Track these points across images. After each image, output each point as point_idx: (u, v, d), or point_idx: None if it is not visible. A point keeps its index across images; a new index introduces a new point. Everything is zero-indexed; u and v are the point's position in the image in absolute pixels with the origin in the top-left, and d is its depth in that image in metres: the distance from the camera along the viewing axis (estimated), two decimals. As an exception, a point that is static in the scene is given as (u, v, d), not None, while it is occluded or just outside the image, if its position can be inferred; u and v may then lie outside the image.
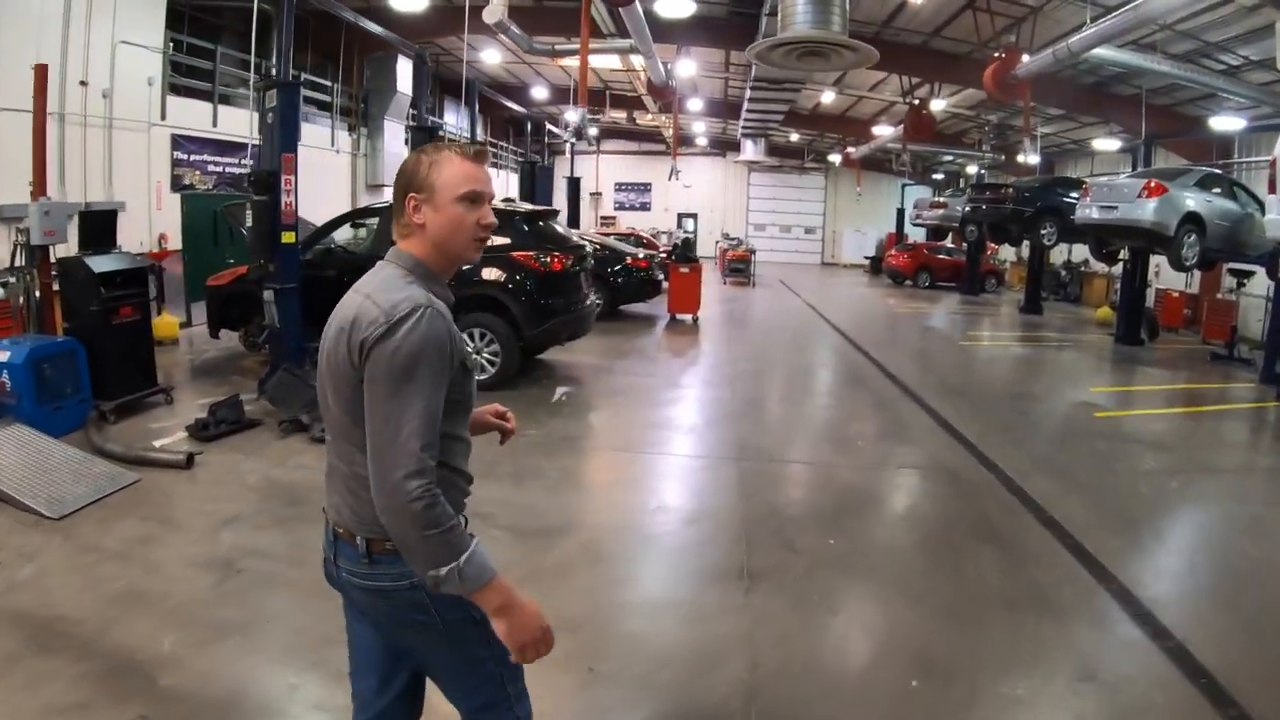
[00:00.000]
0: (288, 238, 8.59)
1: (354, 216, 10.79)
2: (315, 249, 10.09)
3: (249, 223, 8.86)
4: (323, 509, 2.21)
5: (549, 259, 9.50)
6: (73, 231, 8.16)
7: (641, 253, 17.32)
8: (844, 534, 5.55)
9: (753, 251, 28.32)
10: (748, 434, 8.17)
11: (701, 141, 40.20)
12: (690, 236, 21.24)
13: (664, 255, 18.94)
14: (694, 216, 42.89)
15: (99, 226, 8.21)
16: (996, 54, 15.23)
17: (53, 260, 7.92)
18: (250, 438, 7.13)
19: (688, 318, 16.52)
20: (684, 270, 16.31)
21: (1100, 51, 12.67)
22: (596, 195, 43.03)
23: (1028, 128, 18.08)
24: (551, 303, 9.53)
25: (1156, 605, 4.54)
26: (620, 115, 33.93)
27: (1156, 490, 6.90)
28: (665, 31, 17.87)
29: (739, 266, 27.01)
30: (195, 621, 4.03)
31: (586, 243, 11.32)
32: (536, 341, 9.63)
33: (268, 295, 8.64)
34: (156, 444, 6.77)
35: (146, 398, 8.02)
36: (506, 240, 9.33)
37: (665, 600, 4.64)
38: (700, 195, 42.64)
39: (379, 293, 1.95)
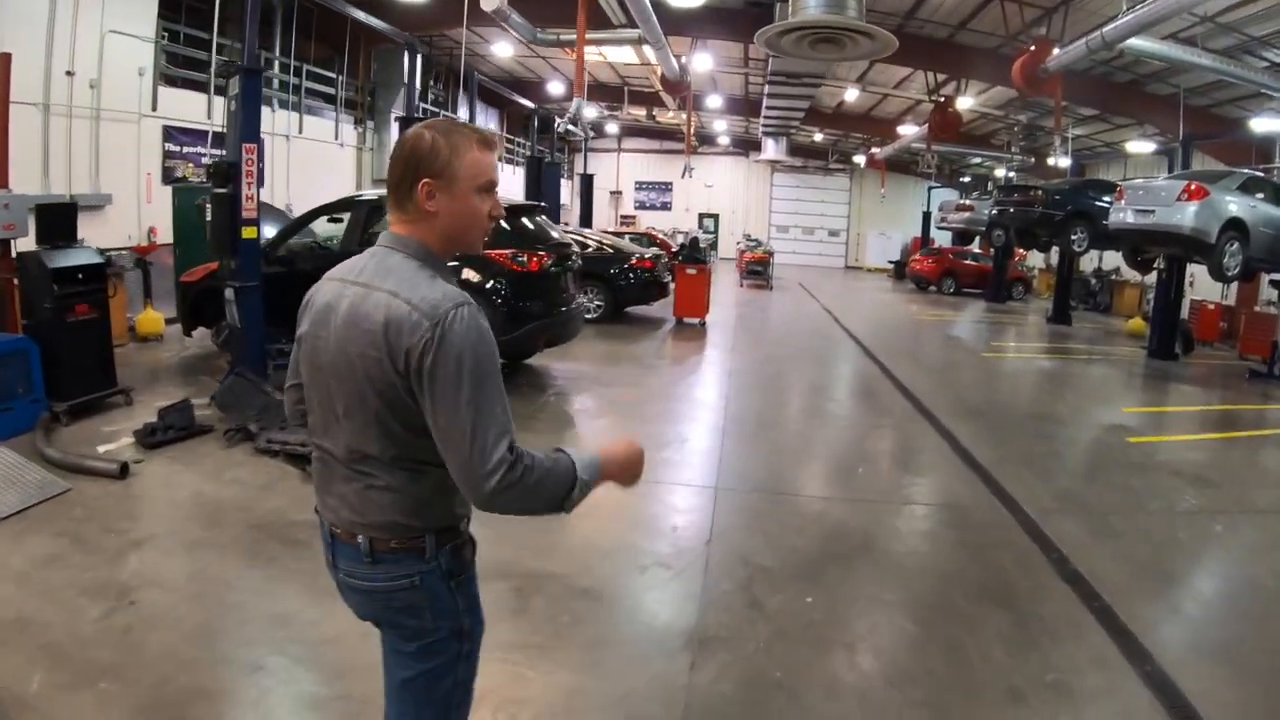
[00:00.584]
0: (249, 233, 8.18)
1: (329, 210, 10.06)
2: (289, 244, 9.59)
3: (208, 216, 8.40)
4: (315, 509, 2.15)
5: (526, 258, 8.74)
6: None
7: (648, 252, 16.45)
8: (824, 590, 4.70)
9: (770, 253, 27.49)
10: (735, 457, 7.35)
11: (724, 140, 39.52)
12: (698, 236, 20.30)
13: (672, 256, 18.03)
14: (715, 217, 42.28)
15: (57, 221, 7.81)
16: (1028, 47, 14.29)
17: (14, 255, 7.63)
18: (196, 446, 6.70)
19: (695, 322, 15.71)
20: (691, 271, 15.50)
21: (1136, 42, 11.76)
22: (617, 194, 42.54)
23: (1058, 127, 17.07)
24: (528, 305, 8.81)
25: (1203, 700, 3.67)
26: (640, 112, 33.29)
27: (1198, 536, 5.99)
28: (677, 22, 17.13)
29: (757, 269, 26.24)
30: (69, 660, 3.65)
31: (574, 241, 10.47)
32: (512, 348, 8.85)
33: (229, 294, 8.28)
34: (101, 449, 6.43)
35: (106, 398, 7.69)
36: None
37: (577, 685, 3.70)
38: (722, 195, 42.06)
39: (407, 289, 1.88)
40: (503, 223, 8.93)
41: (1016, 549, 5.42)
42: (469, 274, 8.65)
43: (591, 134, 38.80)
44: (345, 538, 2.04)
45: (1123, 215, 13.48)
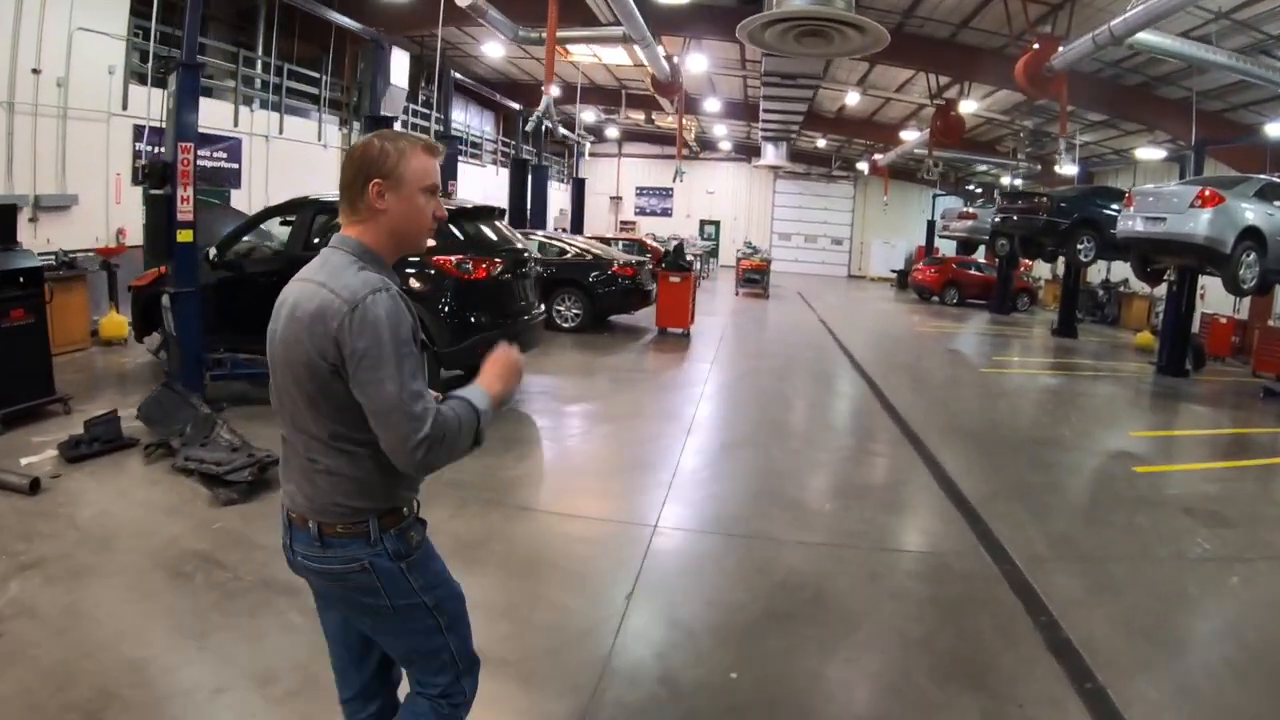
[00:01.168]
0: (184, 236, 7.72)
1: (278, 212, 9.37)
2: (239, 247, 8.93)
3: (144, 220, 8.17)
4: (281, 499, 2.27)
5: (472, 265, 8.01)
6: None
7: (633, 259, 15.69)
8: (756, 662, 3.90)
9: (768, 261, 26.75)
10: (687, 488, 6.55)
11: (725, 146, 38.87)
12: (682, 242, 19.52)
13: (657, 262, 17.23)
14: (716, 224, 41.57)
15: (-5, 223, 7.51)
16: (1031, 45, 13.52)
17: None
18: (118, 461, 6.32)
19: (679, 332, 14.97)
20: (674, 279, 14.73)
21: (1146, 37, 11.00)
22: (617, 199, 41.89)
23: (1064, 131, 16.21)
24: (474, 315, 8.10)
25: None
26: (639, 116, 32.63)
27: (1212, 590, 5.19)
28: (666, 20, 16.53)
29: (753, 277, 25.54)
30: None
31: (527, 245, 9.62)
32: (458, 360, 8.10)
33: (165, 300, 8.04)
34: (23, 462, 6.11)
35: (44, 406, 7.42)
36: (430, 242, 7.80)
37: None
38: (723, 202, 41.43)
39: (334, 280, 2.05)
40: (454, 228, 8.25)
41: (999, 609, 4.60)
42: (414, 283, 7.98)
43: (591, 138, 38.35)
44: (299, 522, 2.18)
45: (1132, 223, 12.69)
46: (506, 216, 9.78)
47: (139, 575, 4.49)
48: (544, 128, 12.36)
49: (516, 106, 24.40)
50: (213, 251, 8.57)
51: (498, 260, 8.29)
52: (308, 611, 3.87)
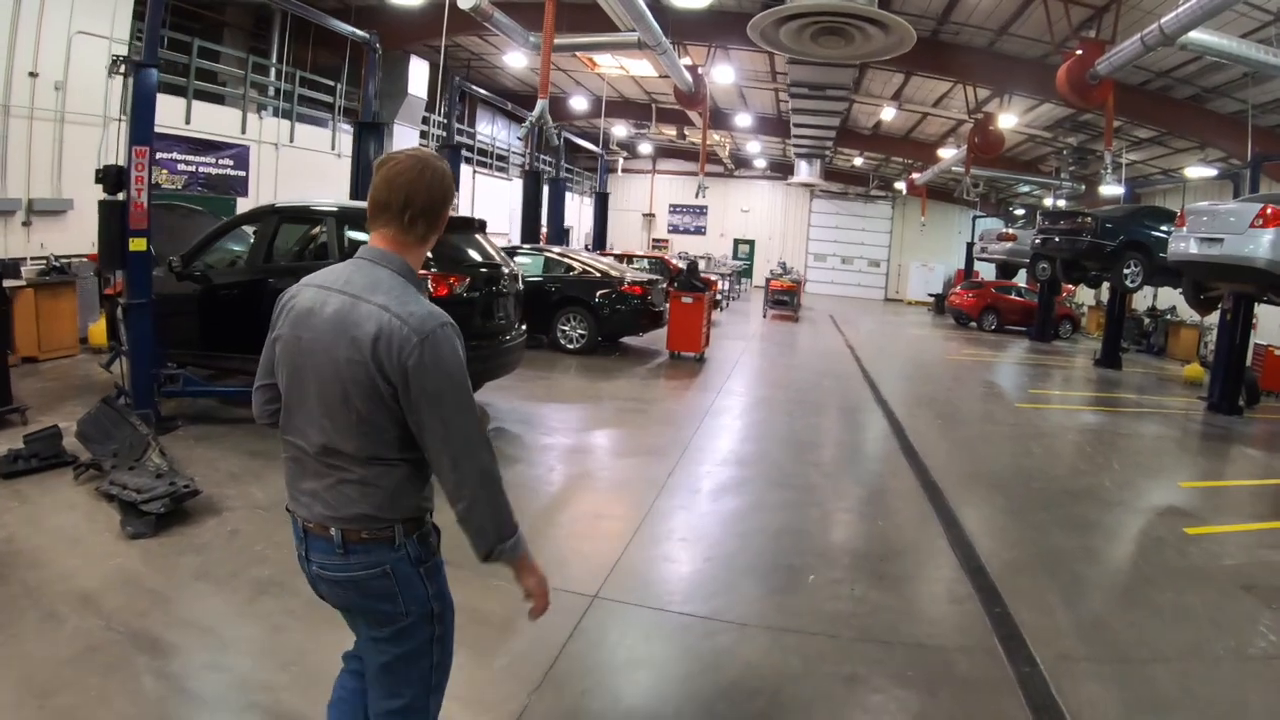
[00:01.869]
0: (137, 244, 7.39)
1: (245, 220, 8.67)
2: (206, 259, 8.34)
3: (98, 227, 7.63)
4: (286, 508, 2.26)
5: (433, 283, 7.18)
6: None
7: (642, 277, 14.81)
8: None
9: (798, 282, 25.78)
10: (650, 546, 5.61)
11: (760, 163, 37.98)
12: (695, 260, 18.55)
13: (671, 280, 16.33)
14: (750, 243, 40.62)
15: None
16: (1074, 52, 12.52)
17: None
18: (51, 479, 5.98)
19: (691, 357, 14.06)
20: (686, 300, 13.81)
21: (1200, 37, 9.96)
22: (649, 217, 41.17)
23: (1109, 143, 15.05)
24: None
25: None
26: (671, 131, 31.97)
27: (1281, 699, 4.17)
28: (685, 27, 15.84)
29: (783, 298, 24.61)
30: None
31: (507, 261, 8.71)
32: None
33: (119, 311, 7.74)
34: None
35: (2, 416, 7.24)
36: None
37: None
38: (758, 221, 40.63)
39: (397, 305, 2.06)
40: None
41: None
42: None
43: (624, 154, 37.73)
44: (318, 531, 2.17)
45: (1184, 245, 11.57)
46: (487, 228, 8.95)
47: (13, 614, 4.06)
48: (544, 135, 11.57)
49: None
50: (175, 261, 8.07)
51: (464, 276, 7.46)
52: (162, 675, 3.62)
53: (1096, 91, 12.56)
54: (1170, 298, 19.54)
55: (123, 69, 7.65)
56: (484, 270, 8.00)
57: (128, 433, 6.52)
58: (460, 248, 7.97)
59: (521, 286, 8.82)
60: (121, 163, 7.47)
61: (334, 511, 2.12)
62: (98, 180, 7.49)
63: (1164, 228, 14.10)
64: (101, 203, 7.39)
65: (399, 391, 2.02)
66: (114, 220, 7.29)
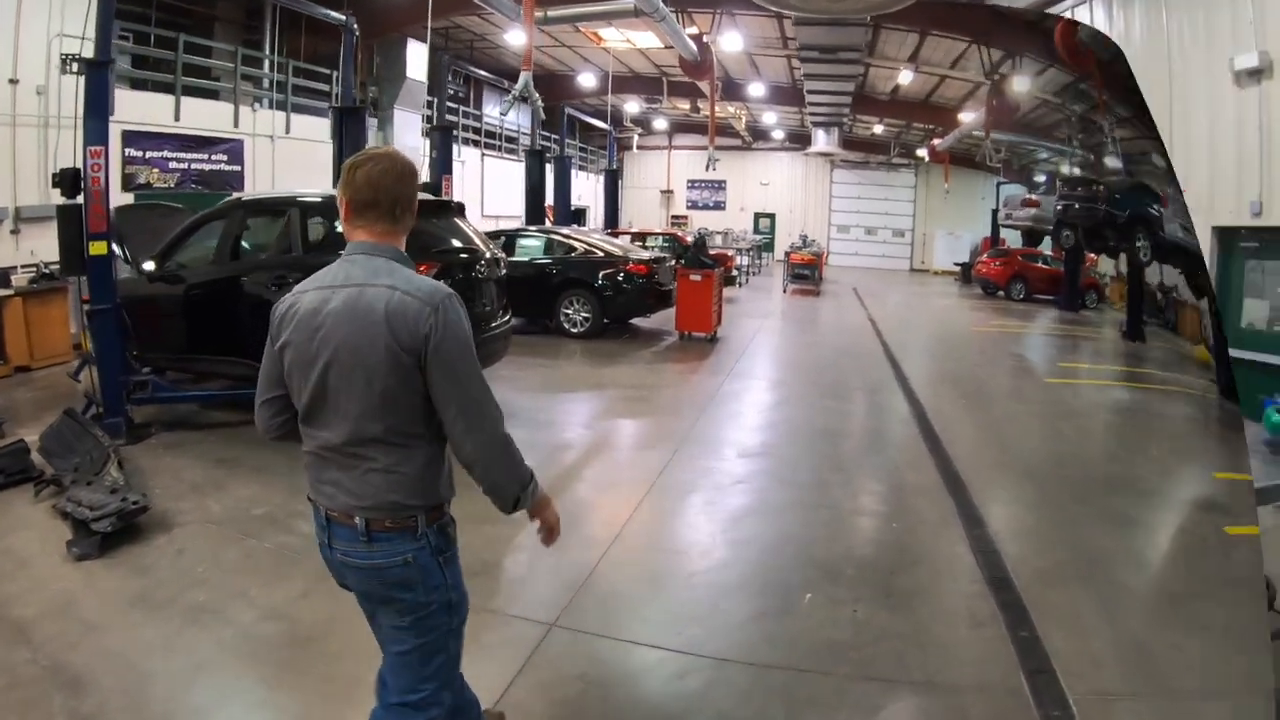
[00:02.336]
0: (97, 248, 7.17)
1: (215, 216, 8.20)
2: (179, 257, 7.99)
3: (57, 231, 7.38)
4: (308, 498, 2.34)
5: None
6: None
7: (646, 255, 14.22)
8: None
9: (818, 255, 25.06)
10: (624, 562, 5.06)
11: (778, 135, 37.08)
12: (703, 235, 17.79)
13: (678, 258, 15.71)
14: (771, 217, 39.76)
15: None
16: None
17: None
18: (13, 496, 5.81)
19: (703, 337, 13.52)
20: (695, 278, 13.24)
21: None
22: (668, 193, 40.47)
23: (1103, 110, 14.12)
24: None
25: None
26: (685, 105, 31.22)
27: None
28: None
29: (803, 272, 23.95)
30: None
31: (487, 245, 8.19)
32: None
33: (85, 319, 7.54)
34: None
35: None
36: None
37: None
38: (779, 194, 39.74)
39: (404, 283, 2.20)
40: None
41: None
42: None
43: (639, 130, 36.97)
44: (342, 519, 2.26)
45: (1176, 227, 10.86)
46: (466, 210, 8.51)
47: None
48: (504, 109, 11.07)
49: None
50: (149, 264, 7.84)
51: (434, 263, 6.95)
52: (77, 716, 3.37)
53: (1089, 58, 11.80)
54: (1173, 276, 18.69)
55: (74, 67, 7.22)
56: (461, 256, 7.58)
57: (90, 445, 6.33)
58: (433, 234, 7.53)
59: (504, 271, 8.35)
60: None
61: (359, 500, 2.21)
62: (54, 184, 7.24)
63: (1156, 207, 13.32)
64: (59, 207, 7.20)
65: (421, 360, 2.15)
66: (72, 224, 7.08)
